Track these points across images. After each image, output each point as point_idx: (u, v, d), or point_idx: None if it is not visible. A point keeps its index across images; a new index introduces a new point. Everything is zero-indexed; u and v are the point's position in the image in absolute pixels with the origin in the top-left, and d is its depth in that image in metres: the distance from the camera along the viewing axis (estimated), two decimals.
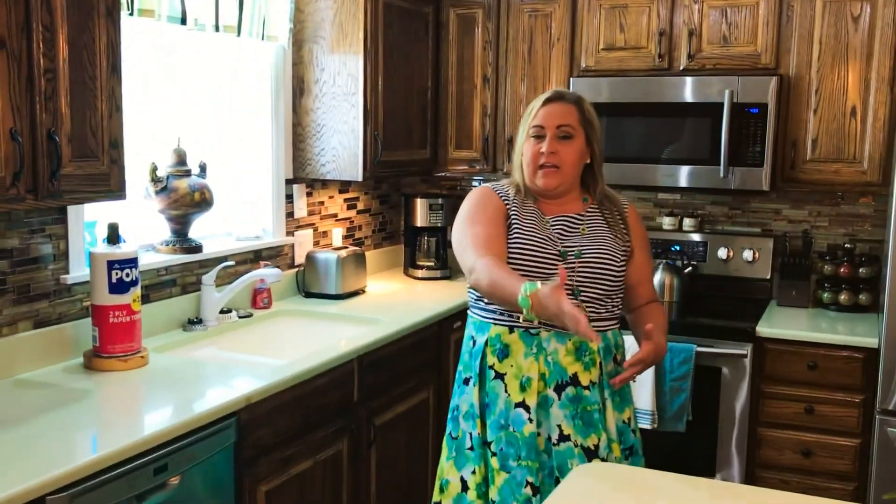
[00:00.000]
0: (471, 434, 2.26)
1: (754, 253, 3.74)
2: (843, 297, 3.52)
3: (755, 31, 3.44)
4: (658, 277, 3.71)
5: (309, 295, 3.59)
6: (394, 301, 3.58)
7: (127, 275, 2.46)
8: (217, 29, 3.02)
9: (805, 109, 3.40)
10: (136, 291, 2.49)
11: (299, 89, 3.56)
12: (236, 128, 3.41)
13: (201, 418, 2.12)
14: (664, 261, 3.81)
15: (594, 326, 2.10)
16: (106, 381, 2.36)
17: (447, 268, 4.13)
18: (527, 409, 2.17)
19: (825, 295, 3.57)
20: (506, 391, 2.20)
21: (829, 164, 3.39)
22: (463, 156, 4.02)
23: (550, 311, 1.87)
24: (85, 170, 2.15)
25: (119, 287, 2.45)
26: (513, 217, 2.25)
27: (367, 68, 3.44)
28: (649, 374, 3.22)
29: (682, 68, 3.55)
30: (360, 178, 3.51)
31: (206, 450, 2.14)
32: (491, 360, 2.23)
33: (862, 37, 3.29)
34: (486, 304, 2.24)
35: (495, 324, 2.23)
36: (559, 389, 2.17)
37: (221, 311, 3.05)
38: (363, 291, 3.70)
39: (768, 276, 3.74)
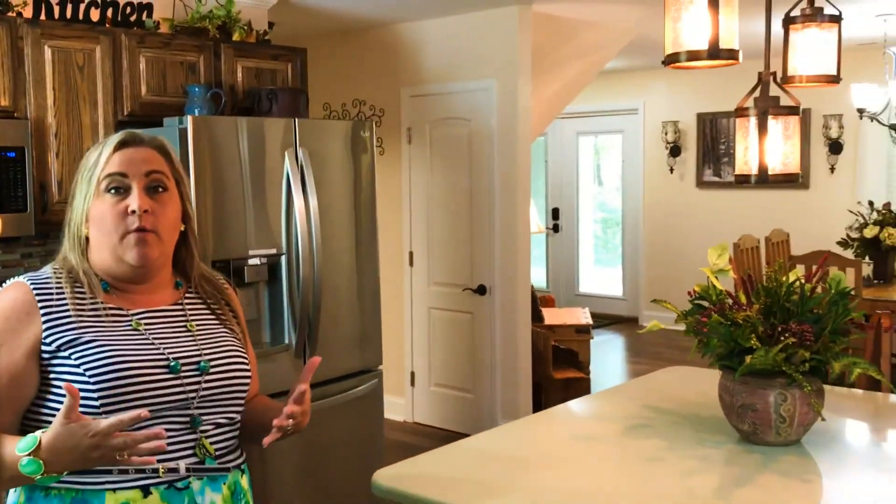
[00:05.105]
0: None
1: None
2: None
3: None
4: None
5: None
6: None
7: None
8: None
9: (50, 153, 3.47)
10: None
11: None
12: None
13: None
14: None
15: (226, 462, 1.64)
16: None
17: None
18: None
19: None
20: None
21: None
22: None
23: (78, 444, 1.37)
24: None
25: None
26: (72, 329, 1.55)
27: None
28: None
29: None
30: None
31: None
32: None
33: (89, 84, 3.57)
34: None
35: (116, 489, 1.52)
36: None
37: None
38: None
39: None
